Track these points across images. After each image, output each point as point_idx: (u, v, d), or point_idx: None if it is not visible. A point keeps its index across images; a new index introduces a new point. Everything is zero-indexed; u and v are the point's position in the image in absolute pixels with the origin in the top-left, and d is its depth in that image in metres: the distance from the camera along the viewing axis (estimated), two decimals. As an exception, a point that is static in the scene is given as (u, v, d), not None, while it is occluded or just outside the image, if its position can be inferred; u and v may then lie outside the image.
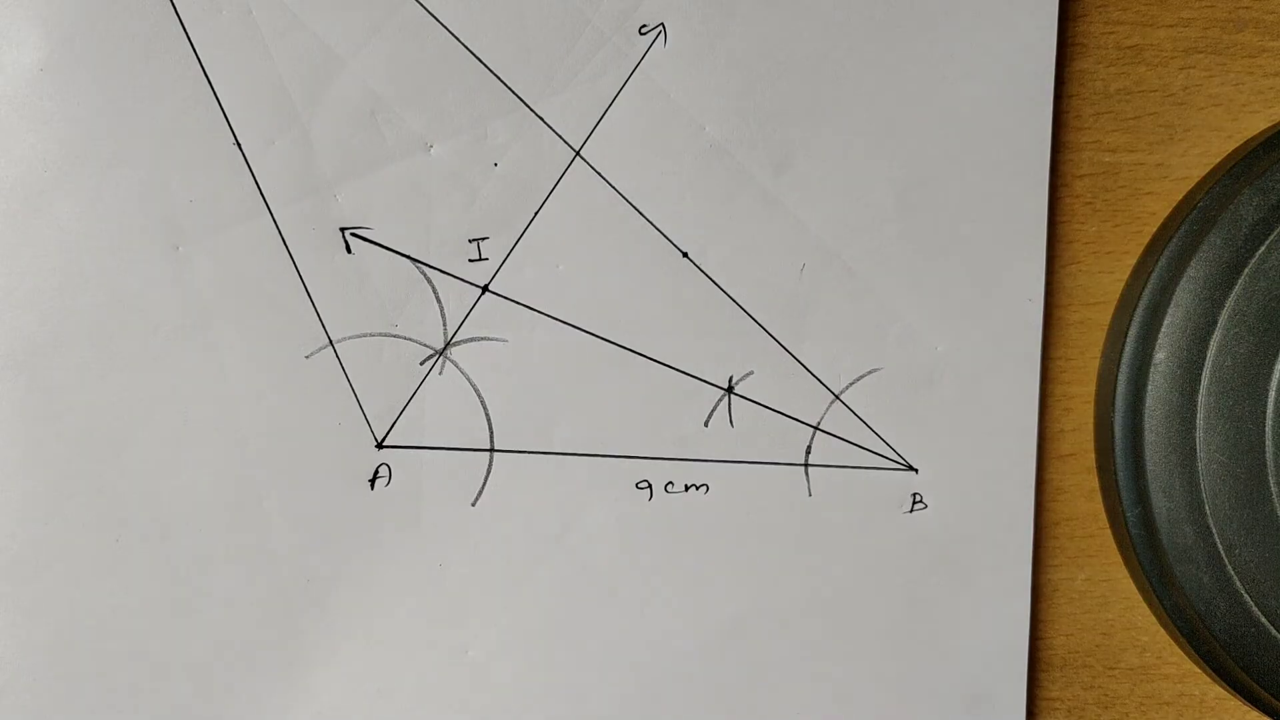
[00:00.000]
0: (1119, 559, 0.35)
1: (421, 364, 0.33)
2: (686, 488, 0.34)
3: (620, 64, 0.33)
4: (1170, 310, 0.32)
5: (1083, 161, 0.34)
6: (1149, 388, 0.33)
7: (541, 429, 0.34)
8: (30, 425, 0.32)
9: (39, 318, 0.32)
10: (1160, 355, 0.32)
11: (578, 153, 0.33)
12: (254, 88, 0.32)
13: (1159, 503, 0.33)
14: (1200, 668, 0.34)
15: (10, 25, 0.31)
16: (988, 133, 0.33)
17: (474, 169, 0.33)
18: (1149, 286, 0.33)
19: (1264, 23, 0.34)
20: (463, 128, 0.33)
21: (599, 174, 0.33)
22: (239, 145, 0.32)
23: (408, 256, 0.33)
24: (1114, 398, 0.33)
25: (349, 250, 0.33)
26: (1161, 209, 0.34)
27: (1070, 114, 0.34)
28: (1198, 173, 0.34)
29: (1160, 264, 0.33)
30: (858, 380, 0.34)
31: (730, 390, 0.34)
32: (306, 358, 0.33)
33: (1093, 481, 0.35)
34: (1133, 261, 0.34)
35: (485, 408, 0.34)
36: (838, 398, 0.34)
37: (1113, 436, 0.33)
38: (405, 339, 0.33)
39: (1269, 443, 0.32)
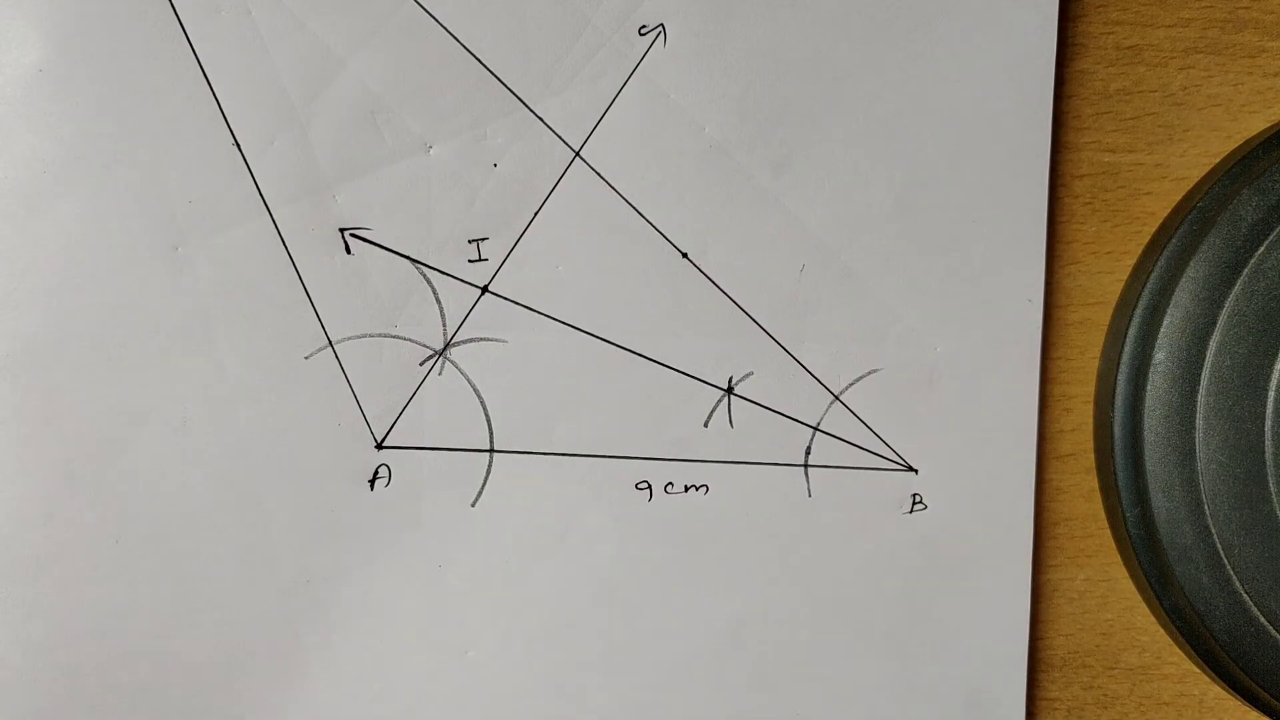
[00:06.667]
0: (1119, 559, 0.35)
1: (421, 364, 0.33)
2: (686, 488, 0.34)
3: (620, 64, 0.33)
4: (1170, 310, 0.32)
5: (1082, 161, 0.34)
6: (1148, 388, 0.33)
7: (541, 429, 0.34)
8: (30, 426, 0.32)
9: (39, 318, 0.32)
10: (1160, 355, 0.32)
11: (577, 153, 0.33)
12: (253, 88, 0.32)
13: (1158, 503, 0.33)
14: (1199, 668, 0.34)
15: (10, 25, 0.31)
16: (988, 133, 0.33)
17: (474, 169, 0.33)
18: (1148, 287, 0.33)
19: (1264, 23, 0.34)
20: (462, 128, 0.33)
21: (599, 174, 0.33)
22: (238, 145, 0.32)
23: (407, 257, 0.33)
24: (1113, 398, 0.33)
25: (349, 251, 0.33)
26: (1161, 209, 0.34)
27: (1070, 114, 0.34)
28: (1197, 173, 0.34)
29: (1160, 264, 0.33)
30: (857, 381, 0.34)
31: (730, 391, 0.34)
32: (306, 358, 0.33)
33: (1092, 481, 0.35)
34: (1132, 261, 0.34)
35: (485, 408, 0.34)
36: (837, 398, 0.34)
37: (1112, 436, 0.33)
38: (405, 339, 0.33)
39: (1269, 443, 0.32)
